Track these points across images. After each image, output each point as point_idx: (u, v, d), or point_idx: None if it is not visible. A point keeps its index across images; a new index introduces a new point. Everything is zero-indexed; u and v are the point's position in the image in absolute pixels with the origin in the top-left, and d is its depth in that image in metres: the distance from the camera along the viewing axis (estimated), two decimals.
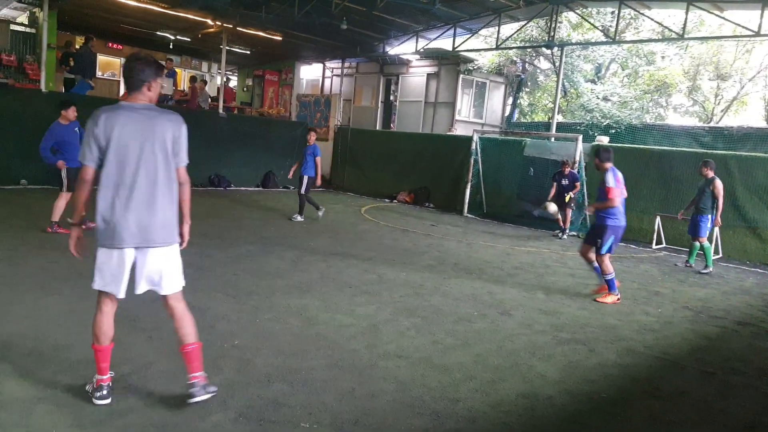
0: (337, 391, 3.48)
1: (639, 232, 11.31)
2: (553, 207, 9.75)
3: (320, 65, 20.45)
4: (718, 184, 8.53)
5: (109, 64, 20.24)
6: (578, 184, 11.09)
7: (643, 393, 3.95)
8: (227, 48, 16.41)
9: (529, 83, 20.38)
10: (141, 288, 3.03)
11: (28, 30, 16.12)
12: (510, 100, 19.64)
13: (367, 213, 12.68)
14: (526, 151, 12.98)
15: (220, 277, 5.99)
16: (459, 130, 16.69)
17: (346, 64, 19.69)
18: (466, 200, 13.74)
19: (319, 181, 10.66)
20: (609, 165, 6.29)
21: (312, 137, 10.61)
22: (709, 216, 8.60)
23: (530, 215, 12.81)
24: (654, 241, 10.70)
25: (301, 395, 3.39)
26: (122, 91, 17.28)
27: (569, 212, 11.22)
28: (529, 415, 3.42)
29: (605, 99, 18.08)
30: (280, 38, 16.42)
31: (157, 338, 4.06)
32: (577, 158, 11.59)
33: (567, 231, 11.32)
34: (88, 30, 17.57)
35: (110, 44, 19.84)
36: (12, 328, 4.04)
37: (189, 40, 17.83)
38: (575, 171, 11.21)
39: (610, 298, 6.34)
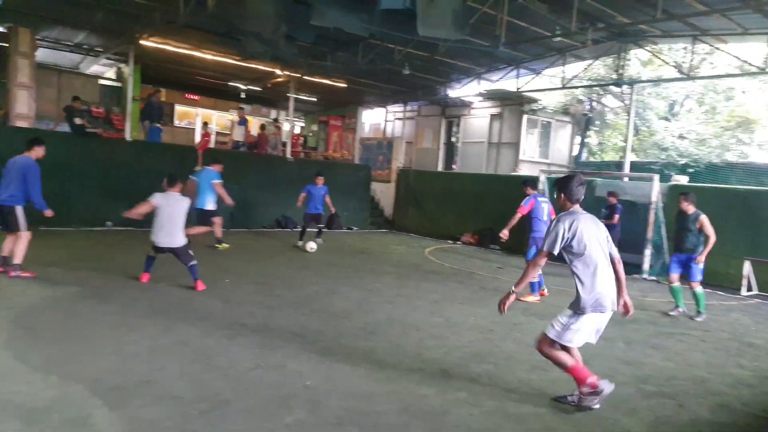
0: None
1: (725, 277, 10.49)
2: None
3: (382, 109, 20.90)
4: (705, 219, 7.42)
5: (185, 114, 21.56)
6: (616, 216, 10.77)
7: None
8: (294, 96, 17.08)
9: (597, 122, 19.91)
10: None
11: (115, 84, 17.50)
12: (577, 139, 19.19)
13: (431, 254, 12.55)
14: (597, 191, 12.53)
15: (288, 317, 6.02)
16: (524, 171, 16.40)
17: (408, 108, 19.99)
18: None
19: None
20: None
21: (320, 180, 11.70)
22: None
23: None
24: (744, 287, 9.92)
25: None
26: (197, 139, 18.24)
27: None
28: None
29: (681, 137, 17.33)
30: (344, 85, 16.95)
31: (233, 376, 4.08)
32: (654, 199, 11.07)
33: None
34: (168, 83, 18.88)
35: (186, 95, 21.20)
36: (100, 364, 4.19)
37: (259, 89, 18.72)
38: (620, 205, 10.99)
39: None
